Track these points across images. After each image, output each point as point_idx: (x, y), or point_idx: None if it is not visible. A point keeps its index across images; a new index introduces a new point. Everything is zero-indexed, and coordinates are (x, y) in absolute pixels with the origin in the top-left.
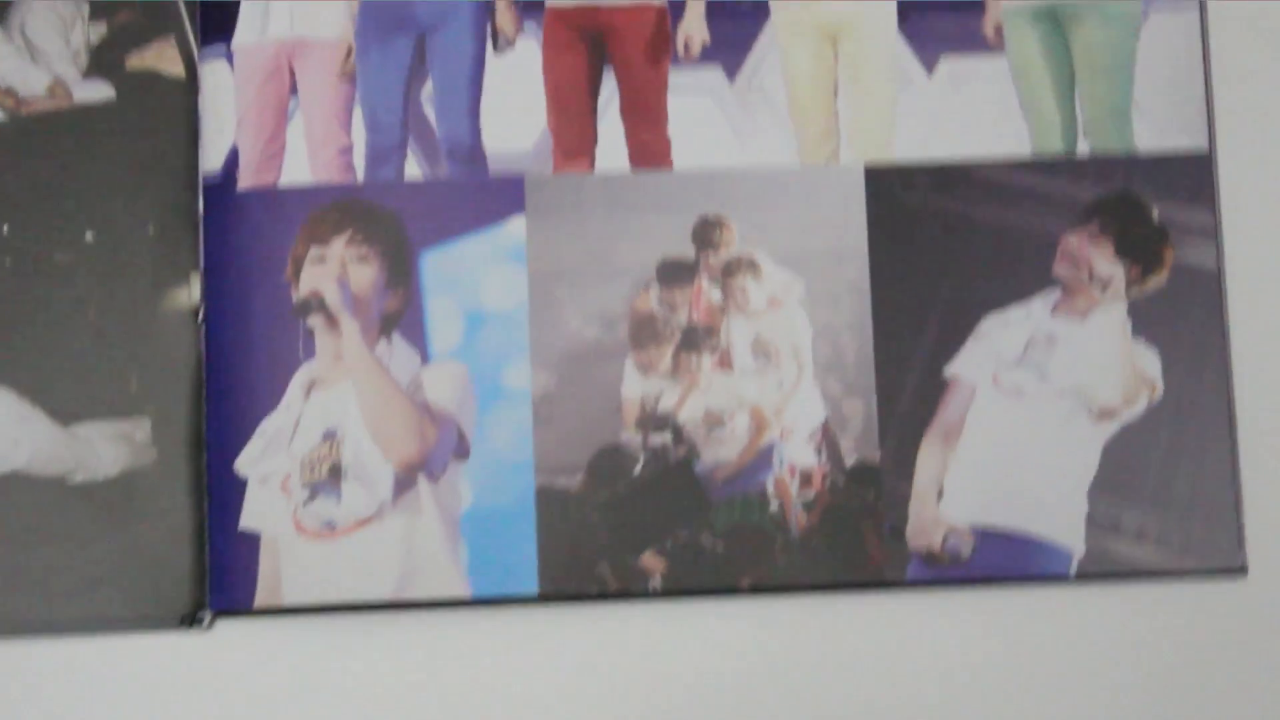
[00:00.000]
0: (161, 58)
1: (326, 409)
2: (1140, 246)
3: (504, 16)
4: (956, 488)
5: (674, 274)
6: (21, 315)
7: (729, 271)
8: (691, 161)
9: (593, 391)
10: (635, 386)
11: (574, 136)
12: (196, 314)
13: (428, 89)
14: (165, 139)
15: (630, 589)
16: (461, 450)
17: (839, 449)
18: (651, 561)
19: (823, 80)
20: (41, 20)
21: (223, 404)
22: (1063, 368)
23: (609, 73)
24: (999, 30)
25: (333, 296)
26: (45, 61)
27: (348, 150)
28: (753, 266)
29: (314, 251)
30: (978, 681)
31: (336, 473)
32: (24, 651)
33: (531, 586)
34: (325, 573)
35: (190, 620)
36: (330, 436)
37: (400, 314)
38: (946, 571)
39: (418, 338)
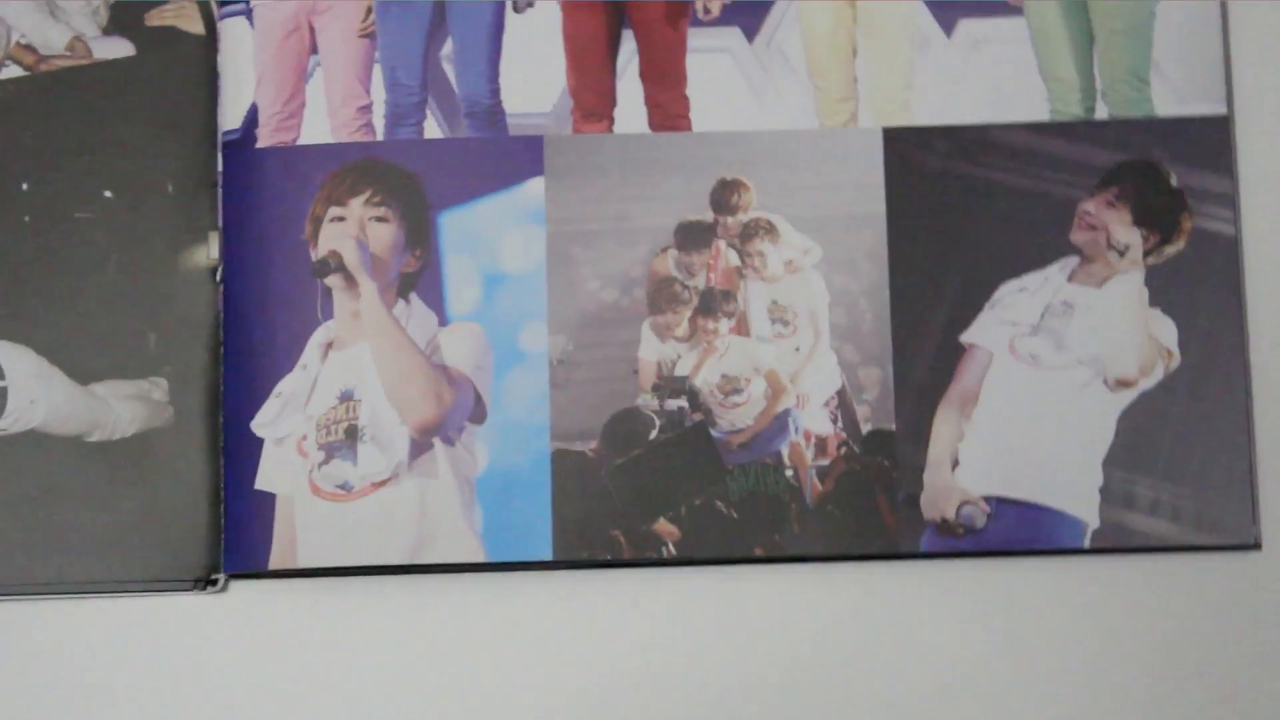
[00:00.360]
0: (181, 14)
1: (344, 370)
2: (1159, 213)
3: None
4: (972, 457)
5: (692, 237)
6: (40, 273)
7: (747, 235)
8: (710, 123)
9: (610, 354)
10: (652, 350)
11: (593, 97)
12: (215, 273)
13: (447, 48)
14: (185, 96)
15: (644, 555)
16: (478, 413)
17: (855, 416)
18: (665, 528)
19: (841, 41)
20: None
21: (240, 363)
22: (1079, 336)
23: (628, 33)
24: None
25: (351, 256)
26: (65, 17)
27: (367, 109)
28: (770, 230)
29: (333, 211)
30: (990, 652)
31: (353, 434)
32: (39, 611)
33: (546, 551)
34: (340, 535)
35: (205, 582)
36: (347, 398)
37: (418, 275)
38: (960, 542)
39: (436, 299)
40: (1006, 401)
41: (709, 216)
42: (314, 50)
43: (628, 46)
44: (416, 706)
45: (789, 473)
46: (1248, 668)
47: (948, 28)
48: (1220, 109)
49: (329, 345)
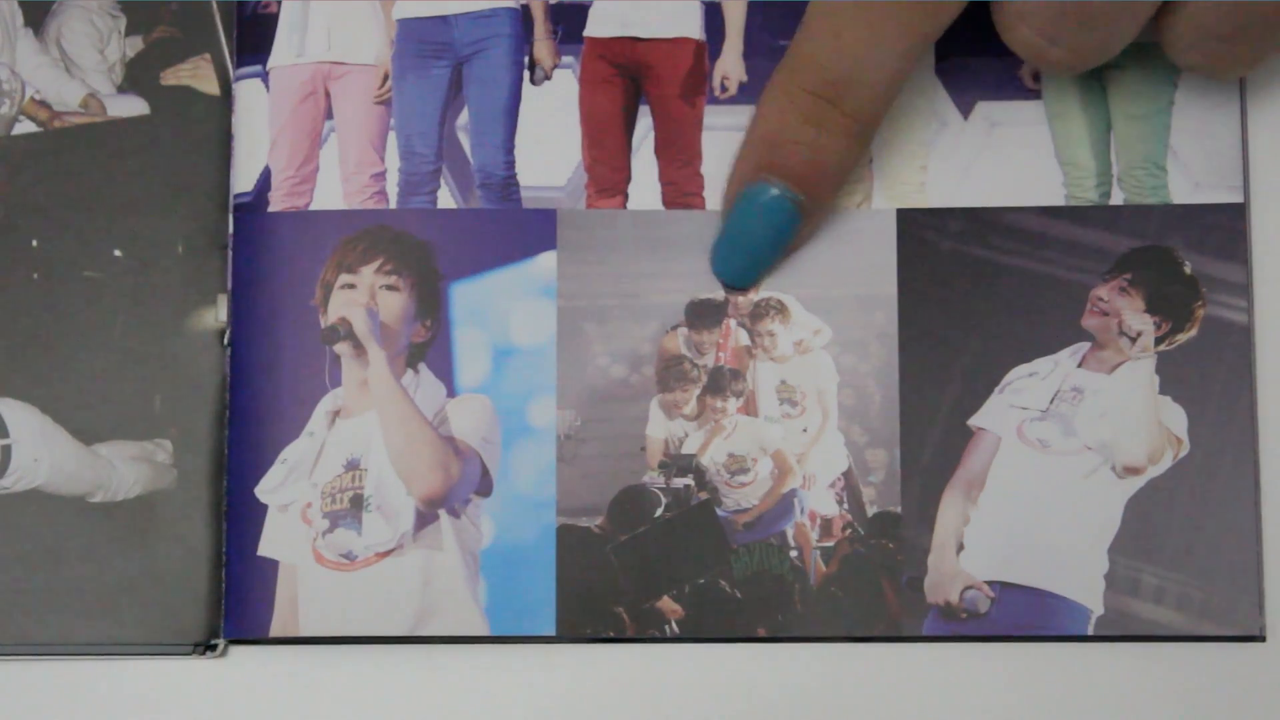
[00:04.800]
0: (197, 75)
1: (350, 438)
2: (1171, 301)
3: (542, 48)
4: (977, 541)
5: (703, 315)
6: (47, 331)
7: (757, 315)
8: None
9: (617, 431)
10: (660, 427)
11: (608, 173)
12: (223, 336)
13: (463, 118)
14: (198, 157)
15: (647, 633)
16: (484, 486)
17: (860, 498)
18: (669, 606)
19: None
20: (78, 32)
21: (246, 428)
22: (1089, 422)
23: (644, 109)
24: (1036, 75)
25: (361, 324)
26: (80, 74)
27: (381, 176)
28: (781, 310)
29: (344, 278)
30: None
31: (358, 504)
32: (36, 671)
33: (549, 626)
34: (342, 604)
35: (204, 647)
36: (353, 466)
37: (428, 345)
38: (963, 626)
39: (445, 370)
40: (1013, 486)
41: (720, 295)
42: (329, 115)
43: (644, 122)
44: None
45: (793, 553)
46: None
47: (965, 109)
48: (1236, 197)
49: (336, 413)
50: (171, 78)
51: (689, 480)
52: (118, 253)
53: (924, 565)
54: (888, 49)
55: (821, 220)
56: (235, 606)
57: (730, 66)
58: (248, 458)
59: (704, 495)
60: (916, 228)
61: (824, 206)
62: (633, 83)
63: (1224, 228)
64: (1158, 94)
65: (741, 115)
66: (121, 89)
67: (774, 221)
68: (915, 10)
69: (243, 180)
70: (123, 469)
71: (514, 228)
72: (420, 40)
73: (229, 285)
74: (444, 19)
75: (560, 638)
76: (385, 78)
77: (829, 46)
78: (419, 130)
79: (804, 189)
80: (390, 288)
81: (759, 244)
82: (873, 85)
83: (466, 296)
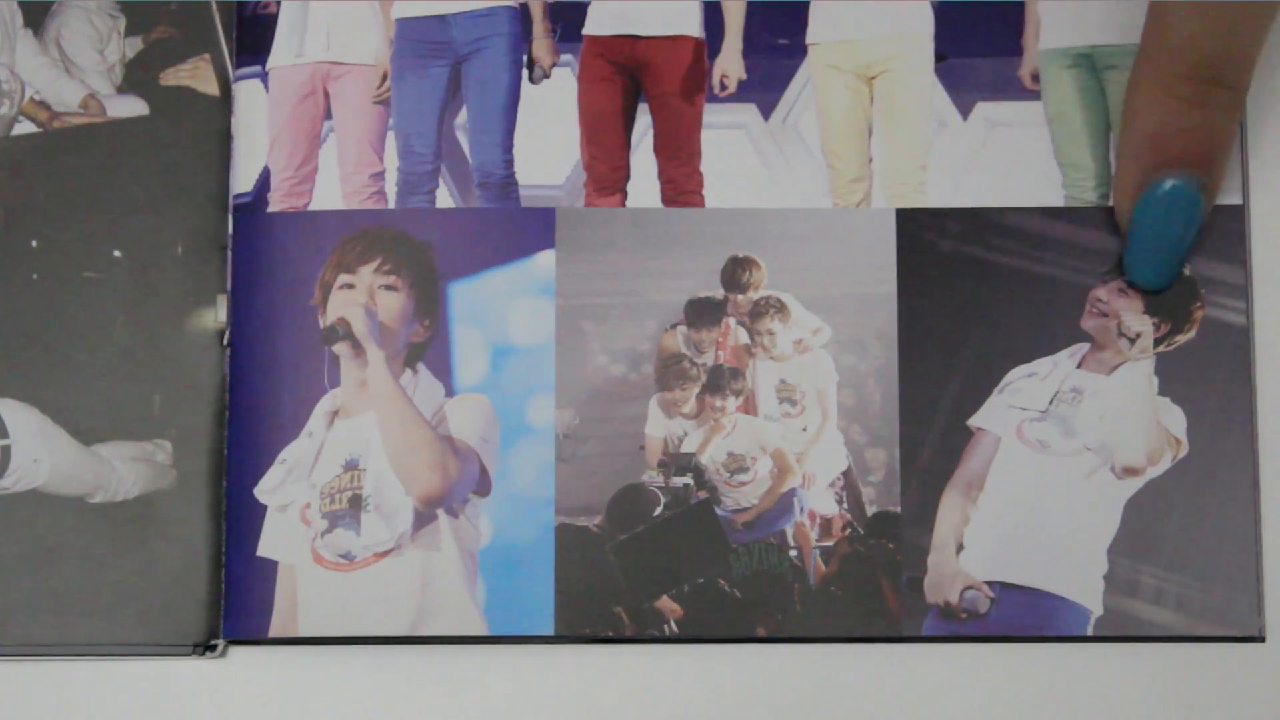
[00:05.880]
0: (196, 75)
1: (349, 438)
2: (1170, 302)
3: (540, 46)
4: (976, 541)
5: (702, 313)
6: (47, 331)
7: (756, 313)
8: (723, 200)
9: (616, 430)
10: (659, 426)
11: (607, 171)
12: (222, 336)
13: (462, 117)
14: (197, 157)
15: (646, 632)
16: (483, 486)
17: (860, 497)
18: (668, 605)
19: (857, 122)
20: (77, 33)
21: (245, 429)
22: (1088, 423)
23: (643, 107)
24: (1035, 76)
25: (359, 324)
26: (80, 75)
27: (380, 176)
28: (780, 309)
29: (342, 278)
30: None
31: (356, 504)
32: (36, 671)
33: (548, 626)
34: (341, 605)
35: (204, 647)
36: (352, 466)
37: (426, 345)
38: (963, 627)
39: (443, 369)
40: (1013, 487)
41: (719, 294)
42: (328, 115)
43: (643, 120)
44: None
45: (793, 553)
46: None
47: (964, 110)
48: (1236, 198)
49: (335, 413)
50: (171, 78)
51: (688, 479)
52: (118, 253)
53: (924, 565)
54: (1255, 9)
55: (1217, 194)
56: (235, 607)
57: (730, 64)
58: (247, 458)
59: (703, 494)
60: (916, 228)
61: (1220, 180)
62: (632, 81)
63: (1223, 229)
64: None
65: (741, 114)
66: (121, 89)
67: (1184, 212)
68: None
69: (242, 180)
70: (122, 469)
71: (512, 227)
72: (419, 40)
73: (228, 285)
74: (442, 18)
75: (559, 637)
76: (384, 77)
77: (1195, 28)
78: (417, 130)
79: (1203, 170)
80: (389, 287)
81: (1175, 238)
82: (1246, 50)
83: (465, 296)
